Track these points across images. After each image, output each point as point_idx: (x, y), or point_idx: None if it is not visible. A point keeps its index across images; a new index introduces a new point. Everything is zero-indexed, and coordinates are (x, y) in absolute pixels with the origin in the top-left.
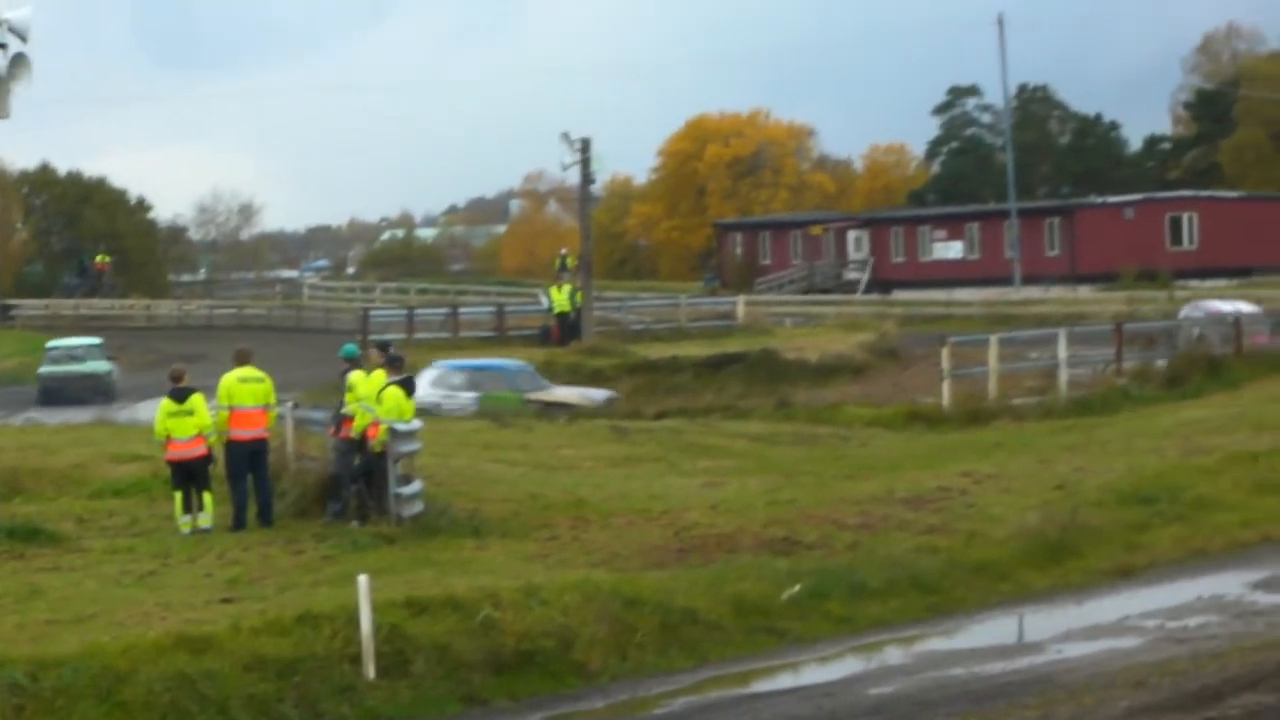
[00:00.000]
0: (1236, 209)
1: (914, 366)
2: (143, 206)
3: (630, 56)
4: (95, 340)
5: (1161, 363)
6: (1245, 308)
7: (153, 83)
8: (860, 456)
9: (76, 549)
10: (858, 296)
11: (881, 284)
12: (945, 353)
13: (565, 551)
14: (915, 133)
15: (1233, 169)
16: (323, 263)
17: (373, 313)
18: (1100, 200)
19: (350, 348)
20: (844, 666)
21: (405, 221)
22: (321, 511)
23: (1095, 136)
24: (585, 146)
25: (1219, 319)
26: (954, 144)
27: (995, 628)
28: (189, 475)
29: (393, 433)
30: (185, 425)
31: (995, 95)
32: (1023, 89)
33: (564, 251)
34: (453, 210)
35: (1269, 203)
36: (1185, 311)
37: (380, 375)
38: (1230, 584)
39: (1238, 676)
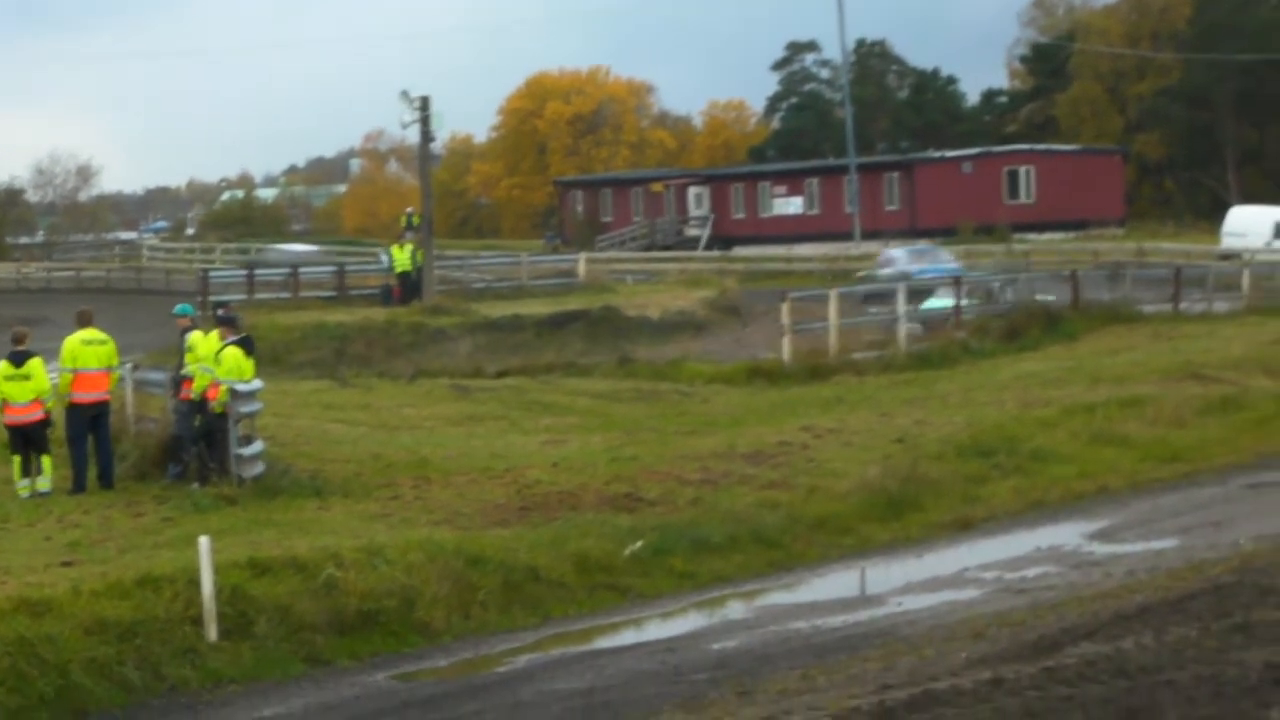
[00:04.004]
0: (1072, 162)
1: (755, 323)
2: None
3: (469, 15)
4: None
5: (1000, 316)
6: None
7: None
8: (702, 413)
9: None
10: (699, 253)
11: (722, 240)
12: (785, 308)
13: (408, 511)
14: (754, 89)
15: (1068, 122)
16: (162, 224)
17: (212, 274)
18: (938, 155)
19: (185, 306)
20: (687, 622)
21: (245, 182)
22: (162, 473)
23: (933, 91)
24: (424, 105)
25: None
26: (793, 100)
27: (837, 581)
28: (26, 439)
29: (233, 393)
30: (23, 389)
31: (833, 51)
32: (861, 44)
33: (410, 210)
34: (293, 170)
35: (1104, 156)
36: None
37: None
38: (1068, 535)
39: (1075, 626)
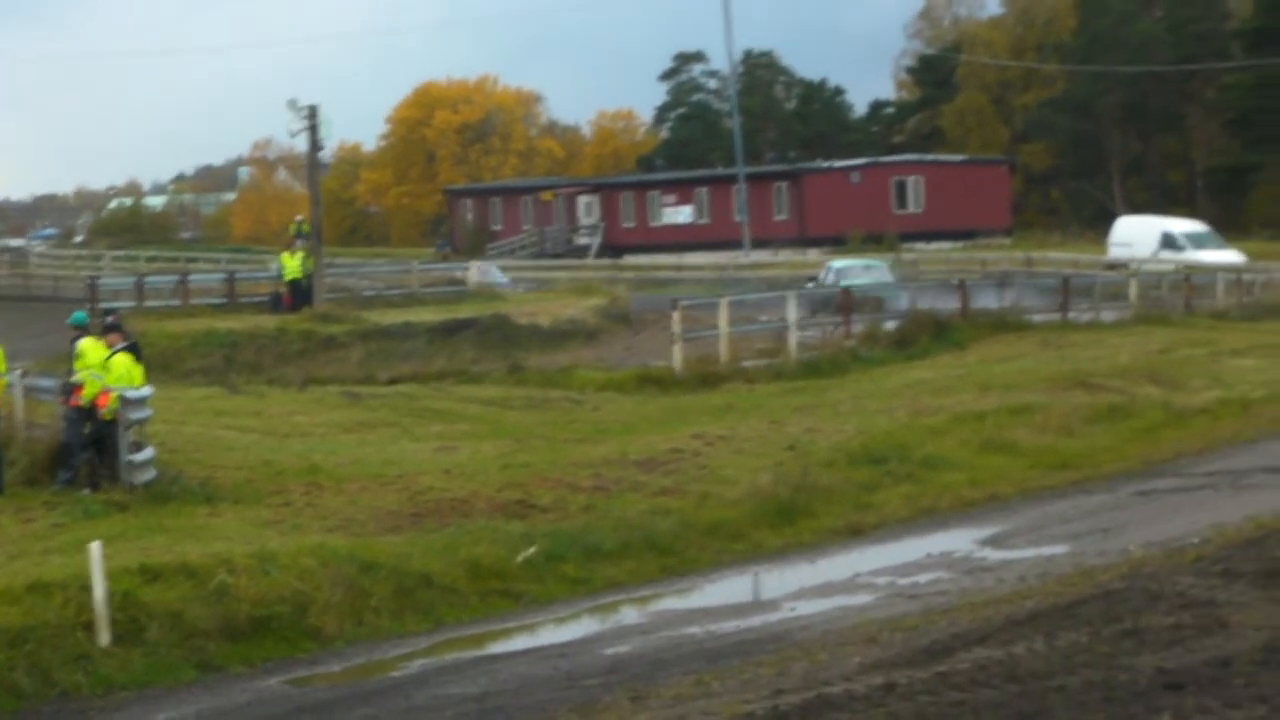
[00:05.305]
0: (959, 172)
1: (645, 330)
2: None
3: (358, 24)
4: None
5: (890, 324)
6: None
7: None
8: (593, 420)
9: None
10: (589, 261)
11: (612, 249)
12: (676, 316)
13: (300, 517)
14: (643, 99)
15: (955, 133)
16: (50, 231)
17: (101, 281)
18: (827, 165)
19: (79, 315)
20: (580, 627)
21: (133, 189)
22: (52, 480)
23: (820, 102)
24: (313, 113)
25: None
26: (681, 110)
27: (730, 587)
28: None
29: (123, 400)
30: None
31: (721, 61)
32: (748, 55)
33: (299, 218)
34: (181, 178)
35: (991, 166)
36: None
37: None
38: (959, 541)
39: (967, 631)
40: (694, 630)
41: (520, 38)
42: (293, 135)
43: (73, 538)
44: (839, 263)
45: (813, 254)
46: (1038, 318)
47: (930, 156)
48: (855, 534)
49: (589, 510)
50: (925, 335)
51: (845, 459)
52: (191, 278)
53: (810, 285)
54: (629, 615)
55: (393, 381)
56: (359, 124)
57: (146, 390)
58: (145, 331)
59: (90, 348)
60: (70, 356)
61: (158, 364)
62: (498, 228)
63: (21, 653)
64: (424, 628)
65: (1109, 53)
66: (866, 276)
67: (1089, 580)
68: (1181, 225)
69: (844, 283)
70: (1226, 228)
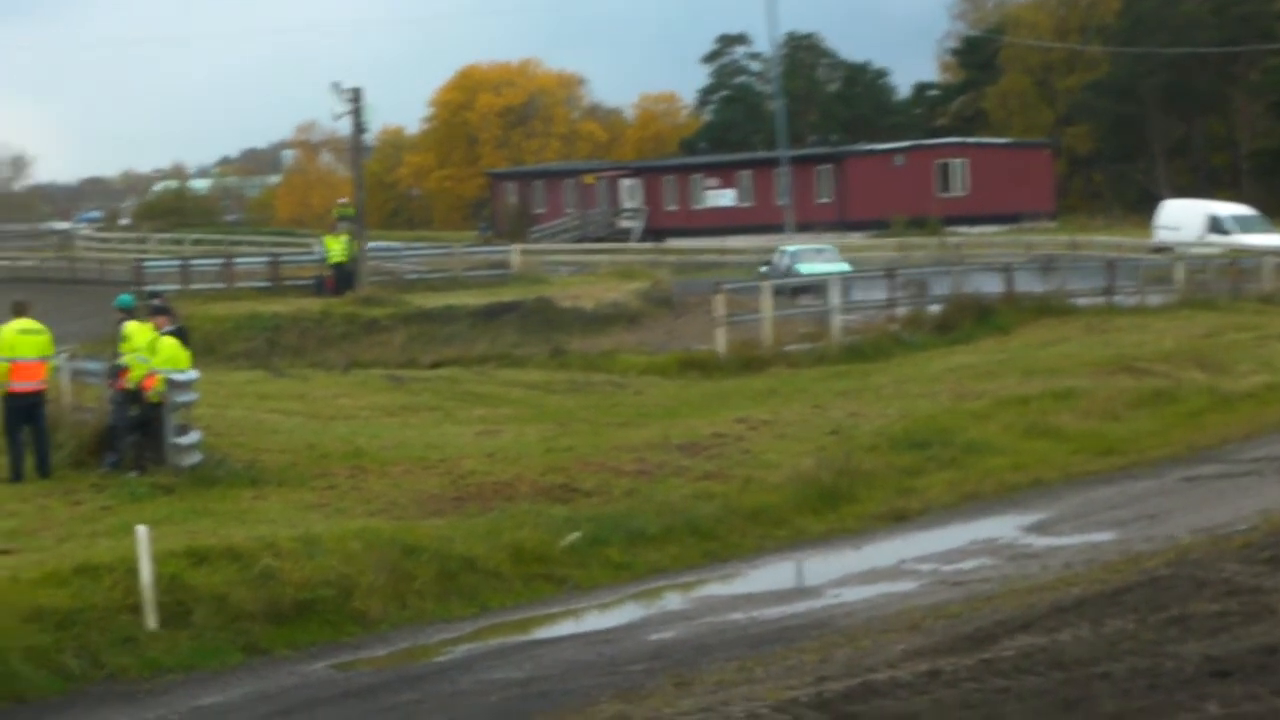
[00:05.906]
0: (1004, 155)
1: (688, 314)
2: None
3: (401, 6)
4: None
5: (933, 309)
6: None
7: None
8: (636, 404)
9: None
10: (632, 245)
11: (655, 232)
12: (720, 300)
13: (343, 501)
14: (685, 81)
15: (998, 115)
16: (95, 214)
17: (147, 264)
18: (869, 148)
19: (125, 298)
20: (624, 613)
21: (178, 173)
22: (99, 463)
23: (863, 84)
24: (356, 96)
25: None
26: (724, 92)
27: (773, 573)
28: None
29: (170, 383)
30: None
31: (764, 44)
32: (791, 37)
33: (343, 201)
34: (225, 161)
35: (1034, 149)
36: None
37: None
38: (1003, 527)
39: (1011, 618)
40: (737, 616)
41: (563, 20)
42: (336, 119)
43: (119, 520)
44: (793, 246)
45: (854, 238)
46: (1082, 302)
47: (974, 139)
48: (898, 520)
49: (632, 494)
50: (968, 319)
51: (888, 444)
52: (236, 261)
53: (764, 270)
54: (672, 601)
55: (435, 365)
56: (399, 108)
57: (192, 373)
58: (190, 314)
59: (136, 330)
60: (116, 339)
61: (202, 347)
62: (540, 211)
63: (70, 635)
64: (468, 612)
65: (1152, 34)
66: (820, 260)
67: (1135, 567)
68: (1228, 209)
69: (798, 267)
70: (1272, 211)
